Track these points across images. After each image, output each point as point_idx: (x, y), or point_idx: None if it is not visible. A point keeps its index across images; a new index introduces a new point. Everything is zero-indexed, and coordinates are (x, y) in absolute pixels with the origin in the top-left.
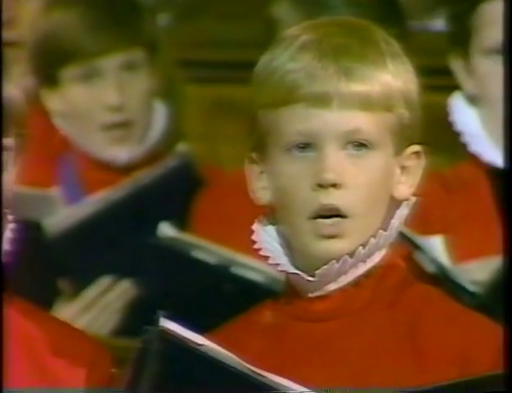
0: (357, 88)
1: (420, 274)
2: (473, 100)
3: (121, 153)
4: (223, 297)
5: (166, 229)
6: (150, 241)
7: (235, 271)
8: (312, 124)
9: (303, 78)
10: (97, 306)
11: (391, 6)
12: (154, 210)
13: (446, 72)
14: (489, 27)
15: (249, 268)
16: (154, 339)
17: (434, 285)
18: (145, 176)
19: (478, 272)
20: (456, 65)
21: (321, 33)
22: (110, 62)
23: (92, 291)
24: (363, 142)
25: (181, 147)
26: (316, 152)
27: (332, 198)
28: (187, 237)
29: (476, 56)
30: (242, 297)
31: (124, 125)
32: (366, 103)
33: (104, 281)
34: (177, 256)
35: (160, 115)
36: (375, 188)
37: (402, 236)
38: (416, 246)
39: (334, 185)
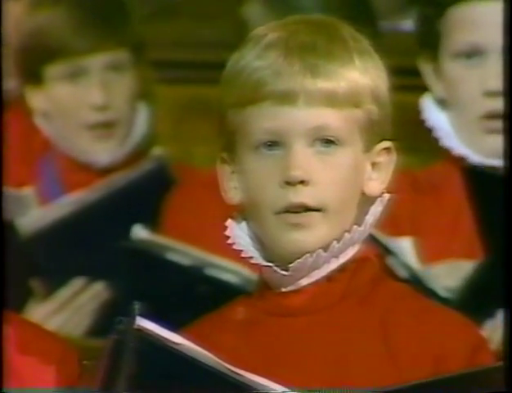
0: (323, 84)
1: (392, 279)
2: (442, 103)
3: (102, 154)
4: (197, 299)
5: (139, 231)
6: (123, 244)
7: (209, 272)
8: (279, 121)
9: (269, 75)
10: (70, 307)
11: (362, 6)
12: (128, 212)
13: (418, 72)
14: (457, 31)
15: (224, 270)
16: (129, 331)
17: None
18: (120, 178)
19: (446, 276)
20: (426, 68)
21: (287, 31)
22: (96, 62)
23: (64, 293)
24: (331, 138)
25: (157, 151)
26: (283, 150)
27: (300, 195)
28: (161, 239)
29: (445, 60)
30: (216, 299)
31: (108, 125)
32: (332, 100)
33: (77, 282)
34: (150, 258)
35: (142, 117)
36: (344, 185)
37: (375, 240)
38: (388, 251)
39: (301, 182)
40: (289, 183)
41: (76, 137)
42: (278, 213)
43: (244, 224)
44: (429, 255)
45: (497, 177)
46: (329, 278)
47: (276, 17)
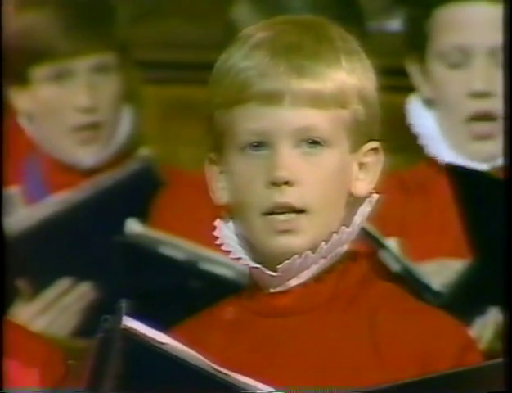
0: (309, 85)
1: (385, 273)
2: (429, 103)
3: (87, 156)
4: (192, 293)
5: (133, 225)
6: (117, 238)
7: (203, 267)
8: (265, 122)
9: (255, 76)
10: (55, 308)
11: (350, 7)
12: (114, 212)
13: (405, 72)
14: (443, 32)
15: (218, 264)
16: (115, 330)
17: (399, 284)
18: (106, 179)
19: (435, 275)
20: (413, 69)
21: (274, 31)
22: (82, 64)
23: (50, 293)
24: (317, 139)
25: (144, 151)
26: (269, 150)
27: (286, 196)
28: (154, 233)
29: (431, 61)
30: (211, 293)
31: (93, 127)
32: (318, 100)
33: (63, 282)
34: (144, 252)
35: (128, 118)
36: (330, 185)
37: (367, 234)
38: (381, 245)
39: (286, 182)
40: (275, 184)
41: (61, 140)
42: (265, 214)
43: (232, 224)
44: (417, 254)
45: (483, 176)
46: (317, 279)
47: (264, 17)
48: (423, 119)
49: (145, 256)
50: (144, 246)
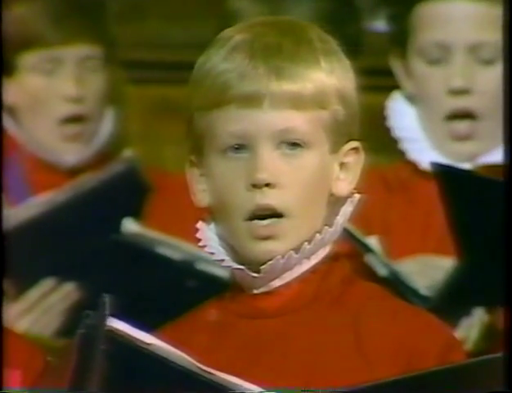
0: (288, 87)
1: (371, 277)
2: (412, 99)
3: (70, 153)
4: (187, 293)
5: (129, 225)
6: (112, 237)
7: (199, 266)
8: (245, 124)
9: (234, 78)
10: (39, 308)
11: (347, 5)
12: (98, 213)
13: (389, 72)
14: (424, 28)
15: (214, 264)
16: (99, 329)
17: (385, 288)
18: (90, 180)
19: (418, 273)
20: (396, 65)
21: (253, 33)
22: (71, 53)
23: (34, 293)
24: (297, 141)
25: (127, 152)
26: (249, 153)
27: (267, 198)
28: (151, 233)
29: (412, 57)
30: (207, 293)
31: (80, 119)
32: (297, 102)
33: (46, 283)
34: (140, 252)
35: (110, 118)
36: (311, 186)
37: (354, 238)
38: (368, 249)
39: (268, 185)
40: (256, 186)
41: (45, 134)
42: (246, 220)
43: (213, 226)
44: (400, 252)
45: (468, 174)
46: (300, 280)
47: (263, 8)
48: (405, 118)
49: (140, 256)
50: (140, 245)
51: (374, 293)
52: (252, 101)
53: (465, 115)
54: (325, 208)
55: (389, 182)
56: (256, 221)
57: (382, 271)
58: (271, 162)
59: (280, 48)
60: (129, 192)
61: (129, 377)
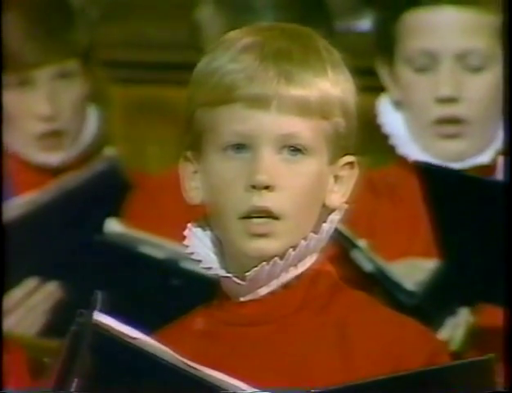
0: (297, 92)
1: (357, 273)
2: (398, 105)
3: (52, 158)
4: (172, 292)
5: (112, 225)
6: (96, 237)
7: (184, 265)
8: (249, 125)
9: (243, 79)
10: (23, 307)
11: (315, 7)
12: (80, 214)
13: (374, 73)
14: (411, 36)
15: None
16: (87, 324)
17: (371, 284)
18: (71, 180)
19: (405, 275)
20: (382, 71)
21: (263, 37)
22: (43, 73)
23: (17, 293)
24: (299, 147)
25: (109, 151)
26: (251, 154)
27: (264, 200)
28: (134, 232)
29: (399, 65)
30: (191, 291)
31: (56, 134)
32: (304, 108)
33: (30, 282)
34: (123, 252)
35: (92, 119)
36: (307, 193)
37: (340, 234)
38: (353, 245)
39: (266, 187)
40: (255, 187)
41: (24, 146)
42: (241, 218)
43: (201, 233)
44: (387, 255)
45: (452, 174)
46: (286, 287)
47: (227, 20)
48: (392, 120)
49: (124, 255)
50: (123, 245)
51: (361, 301)
52: (259, 102)
53: (452, 121)
54: (317, 216)
55: (375, 185)
56: (251, 219)
57: (368, 267)
58: (272, 165)
59: (290, 53)
60: (111, 191)
61: (114, 371)
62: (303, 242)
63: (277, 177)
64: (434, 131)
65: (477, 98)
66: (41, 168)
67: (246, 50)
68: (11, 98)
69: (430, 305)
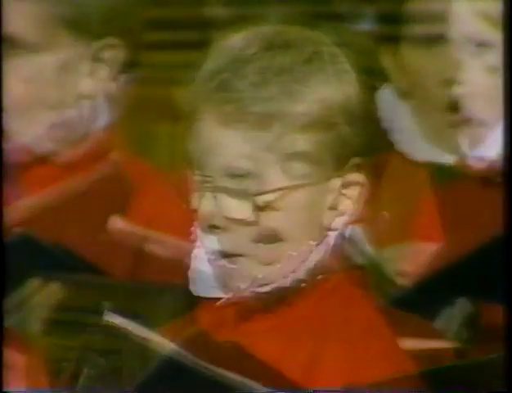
0: (299, 108)
1: (347, 265)
2: (403, 94)
3: (61, 153)
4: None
5: (117, 222)
6: (99, 237)
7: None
8: (254, 145)
9: (247, 98)
10: (26, 307)
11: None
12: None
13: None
14: (417, 21)
15: None
16: (98, 326)
17: (361, 276)
18: (76, 182)
19: (400, 258)
20: (386, 61)
21: (264, 49)
22: (53, 57)
23: (20, 292)
24: (304, 164)
25: (114, 155)
26: (256, 174)
27: (271, 220)
28: (139, 230)
29: (405, 51)
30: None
31: (67, 124)
32: (307, 125)
33: (33, 282)
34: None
35: (103, 114)
36: (309, 213)
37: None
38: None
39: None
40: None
41: (33, 138)
42: None
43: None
44: (383, 239)
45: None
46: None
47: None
48: (395, 112)
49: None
50: (128, 242)
51: (339, 316)
52: (263, 122)
53: (459, 106)
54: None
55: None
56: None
57: (358, 259)
58: (278, 184)
59: (291, 69)
60: (115, 194)
61: (126, 371)
62: (293, 254)
63: (282, 196)
64: (443, 119)
65: (482, 83)
66: (50, 161)
67: (248, 64)
68: (19, 86)
69: (425, 295)
